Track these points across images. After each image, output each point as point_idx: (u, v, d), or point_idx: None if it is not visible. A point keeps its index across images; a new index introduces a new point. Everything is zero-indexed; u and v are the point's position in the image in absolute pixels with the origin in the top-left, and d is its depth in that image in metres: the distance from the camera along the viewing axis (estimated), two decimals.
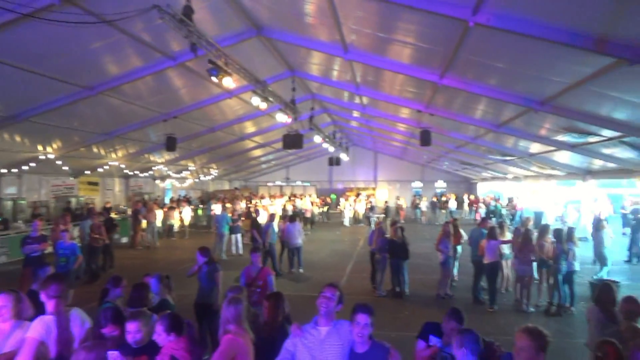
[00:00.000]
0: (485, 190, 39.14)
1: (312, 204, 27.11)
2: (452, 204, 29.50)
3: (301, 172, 42.69)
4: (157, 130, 17.34)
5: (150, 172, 26.09)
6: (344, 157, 29.89)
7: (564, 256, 9.40)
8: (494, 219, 18.94)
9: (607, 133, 12.06)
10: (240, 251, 16.18)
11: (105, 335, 3.89)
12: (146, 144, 19.53)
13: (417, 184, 41.95)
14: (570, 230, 10.03)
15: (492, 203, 27.77)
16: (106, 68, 11.23)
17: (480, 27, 7.02)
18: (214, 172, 32.64)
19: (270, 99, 12.22)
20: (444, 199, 31.23)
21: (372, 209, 26.77)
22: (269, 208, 21.67)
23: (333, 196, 36.68)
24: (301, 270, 13.49)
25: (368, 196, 35.00)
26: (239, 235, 16.49)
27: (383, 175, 42.65)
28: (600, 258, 12.46)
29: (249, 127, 21.87)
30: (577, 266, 9.65)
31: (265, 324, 4.35)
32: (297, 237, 13.56)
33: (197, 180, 32.30)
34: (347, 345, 3.41)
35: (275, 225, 14.33)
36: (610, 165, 16.65)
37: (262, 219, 17.30)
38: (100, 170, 20.96)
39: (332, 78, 15.20)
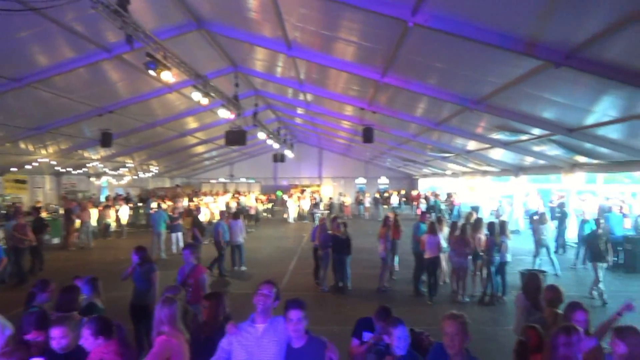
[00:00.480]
0: (426, 186, 40.45)
1: (256, 200, 26.88)
2: (395, 200, 30.22)
3: (245, 169, 42.20)
4: (92, 125, 16.50)
5: (85, 169, 24.81)
6: (288, 153, 29.88)
7: (496, 248, 9.89)
8: (433, 214, 19.58)
9: (537, 132, 12.79)
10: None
11: (29, 342, 3.65)
12: (80, 139, 18.54)
13: (361, 180, 42.64)
14: (503, 224, 10.56)
15: (432, 198, 28.72)
16: (34, 59, 10.54)
17: (420, 28, 7.20)
18: (154, 169, 31.57)
19: (212, 94, 11.95)
20: (386, 195, 31.93)
21: (316, 205, 26.92)
22: (212, 205, 21.27)
23: (279, 193, 36.56)
24: (243, 268, 13.34)
25: (313, 193, 35.22)
26: (179, 234, 16.06)
27: (328, 172, 43.02)
28: (539, 247, 13.04)
29: (191, 123, 21.31)
30: (509, 257, 10.18)
31: (204, 323, 4.26)
32: (239, 234, 13.39)
33: (135, 177, 31.09)
34: (284, 341, 3.41)
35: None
36: (540, 162, 17.72)
37: (203, 217, 16.96)
38: (28, 167, 19.66)
39: (275, 74, 15.10)
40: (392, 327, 3.54)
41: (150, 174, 32.37)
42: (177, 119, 18.96)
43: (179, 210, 17.56)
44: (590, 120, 10.60)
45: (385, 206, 29.59)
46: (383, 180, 42.68)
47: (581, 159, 15.37)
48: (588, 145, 12.70)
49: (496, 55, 7.74)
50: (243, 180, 42.15)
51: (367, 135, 15.77)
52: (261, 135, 19.81)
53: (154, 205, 21.35)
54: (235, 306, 5.05)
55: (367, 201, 30.49)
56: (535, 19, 6.34)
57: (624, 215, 15.13)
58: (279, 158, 29.38)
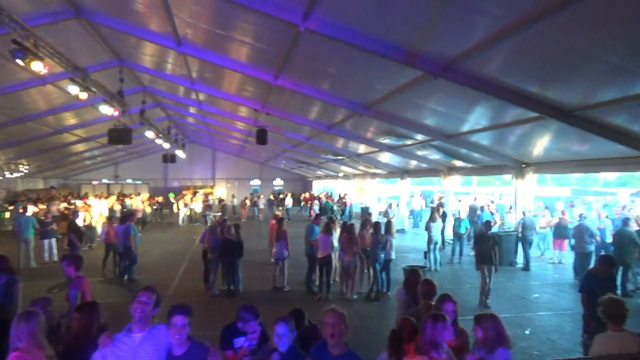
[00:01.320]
0: (319, 187, 41.47)
1: (144, 203, 25.47)
2: (289, 201, 30.51)
3: (132, 170, 39.60)
4: None
5: None
6: (180, 154, 28.63)
7: (380, 246, 10.41)
8: (325, 215, 20.12)
9: (420, 137, 13.75)
10: (55, 257, 14.31)
11: None
12: None
13: (256, 182, 42.44)
14: (389, 223, 11.16)
15: (324, 200, 29.50)
16: None
17: (311, 33, 7.34)
18: (24, 168, 28.36)
19: (93, 88, 11.06)
20: (281, 196, 32.12)
21: (209, 207, 26.23)
22: (94, 209, 19.69)
23: (171, 195, 34.87)
24: (126, 276, 12.51)
25: (206, 194, 34.29)
26: (53, 240, 14.60)
27: (221, 173, 42.15)
28: (430, 244, 13.83)
29: (69, 119, 19.48)
30: (393, 255, 10.77)
31: (76, 336, 3.91)
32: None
33: (1, 177, 27.71)
34: (164, 349, 3.27)
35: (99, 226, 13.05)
36: (423, 165, 19.07)
37: (81, 221, 15.64)
38: None
39: (165, 71, 14.43)
40: (274, 325, 3.66)
41: (19, 174, 29.06)
42: (53, 114, 17.21)
43: (53, 214, 15.98)
44: (465, 127, 11.67)
45: (280, 208, 29.75)
46: (278, 182, 42.91)
47: (458, 163, 16.85)
48: (463, 151, 13.94)
49: (382, 64, 8.16)
50: (129, 181, 39.62)
51: (261, 137, 15.72)
52: (149, 134, 18.77)
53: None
54: (116, 316, 4.71)
55: (262, 203, 30.42)
56: (416, 31, 6.81)
57: (492, 214, 16.85)
58: (169, 158, 28.07)
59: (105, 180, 39.53)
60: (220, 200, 30.83)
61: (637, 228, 11.33)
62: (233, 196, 33.43)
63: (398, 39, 7.16)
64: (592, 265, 11.87)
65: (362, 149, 19.65)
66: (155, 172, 39.13)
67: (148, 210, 25.72)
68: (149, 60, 13.72)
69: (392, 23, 6.80)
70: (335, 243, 10.94)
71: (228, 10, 8.19)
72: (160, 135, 20.07)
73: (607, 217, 14.12)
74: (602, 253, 10.46)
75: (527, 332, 8.14)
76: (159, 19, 9.64)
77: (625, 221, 11.47)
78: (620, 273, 10.40)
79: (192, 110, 20.93)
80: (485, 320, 3.75)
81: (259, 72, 11.16)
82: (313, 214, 18.05)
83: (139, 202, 24.63)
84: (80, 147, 26.53)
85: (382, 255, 10.43)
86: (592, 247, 11.88)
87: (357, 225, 11.49)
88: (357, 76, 10.21)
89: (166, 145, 22.82)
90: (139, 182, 39.71)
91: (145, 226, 23.75)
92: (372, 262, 10.57)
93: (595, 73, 6.78)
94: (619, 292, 8.42)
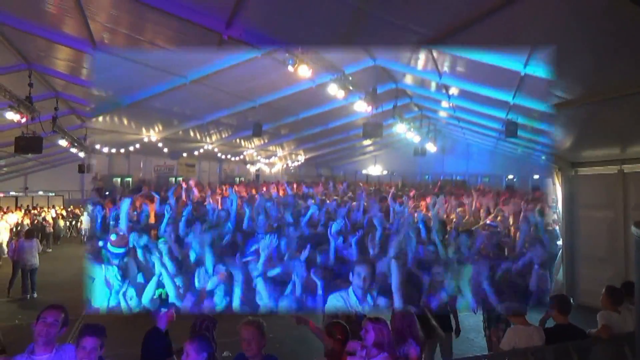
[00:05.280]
0: None
1: (58, 216, 23.82)
2: None
3: (45, 181, 36.31)
4: None
5: None
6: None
7: None
8: None
9: None
10: None
11: None
12: None
13: None
14: None
15: None
16: None
17: (234, 41, 7.31)
18: None
19: None
20: None
21: None
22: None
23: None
24: (35, 295, 11.60)
25: None
26: None
27: None
28: None
29: None
30: None
31: None
32: (35, 256, 11.71)
33: None
34: None
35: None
36: None
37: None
38: None
39: (81, 76, 13.62)
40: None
41: None
42: None
43: None
44: None
45: None
46: None
47: None
48: None
49: None
50: (41, 193, 36.67)
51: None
52: (62, 142, 17.54)
53: None
54: (25, 338, 4.39)
55: None
56: None
57: None
58: (85, 168, 26.35)
59: (13, 193, 36.28)
60: None
61: None
62: None
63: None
64: None
65: None
66: (71, 183, 36.55)
67: (61, 223, 24.00)
68: (63, 64, 12.88)
69: (317, 36, 6.96)
70: None
71: (147, 16, 7.95)
72: (75, 144, 18.85)
73: None
74: None
75: None
76: (75, 22, 9.11)
77: None
78: None
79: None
80: (376, 322, 3.81)
81: None
82: None
83: (50, 216, 22.98)
84: None
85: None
86: None
87: None
88: None
89: (82, 155, 21.53)
90: (52, 194, 36.94)
91: (59, 241, 22.17)
92: None
93: None
94: None
